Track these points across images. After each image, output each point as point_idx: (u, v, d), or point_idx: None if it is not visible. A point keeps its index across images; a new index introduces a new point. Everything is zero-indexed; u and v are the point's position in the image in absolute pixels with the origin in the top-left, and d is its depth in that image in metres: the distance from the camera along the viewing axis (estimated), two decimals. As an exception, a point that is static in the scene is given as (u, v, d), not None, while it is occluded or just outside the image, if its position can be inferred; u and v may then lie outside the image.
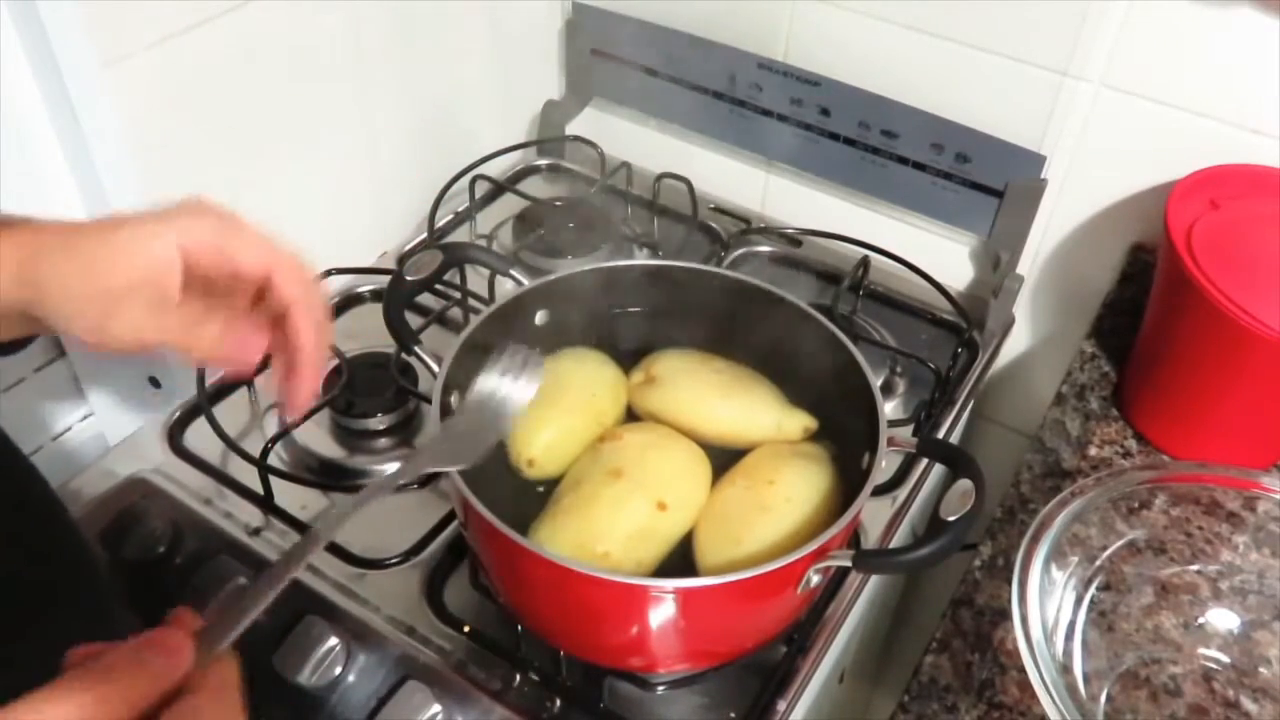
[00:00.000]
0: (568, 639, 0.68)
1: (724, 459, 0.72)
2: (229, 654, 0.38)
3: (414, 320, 0.92)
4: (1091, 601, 0.71)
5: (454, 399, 0.67)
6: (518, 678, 0.69)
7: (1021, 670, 0.65)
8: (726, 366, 0.76)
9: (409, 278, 0.70)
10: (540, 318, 0.75)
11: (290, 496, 0.78)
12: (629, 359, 0.78)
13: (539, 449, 0.70)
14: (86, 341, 0.45)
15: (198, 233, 0.47)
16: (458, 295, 0.92)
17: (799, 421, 0.73)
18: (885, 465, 0.64)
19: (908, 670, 0.68)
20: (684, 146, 1.10)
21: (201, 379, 0.82)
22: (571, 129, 1.13)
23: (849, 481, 0.68)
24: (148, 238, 0.45)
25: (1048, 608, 0.62)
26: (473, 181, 1.03)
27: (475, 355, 0.69)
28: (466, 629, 0.71)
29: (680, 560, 0.67)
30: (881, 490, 0.81)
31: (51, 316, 0.45)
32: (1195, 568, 0.73)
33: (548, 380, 0.74)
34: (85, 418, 0.88)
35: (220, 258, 0.47)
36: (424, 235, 1.02)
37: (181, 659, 0.35)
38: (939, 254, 1.00)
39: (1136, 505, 0.78)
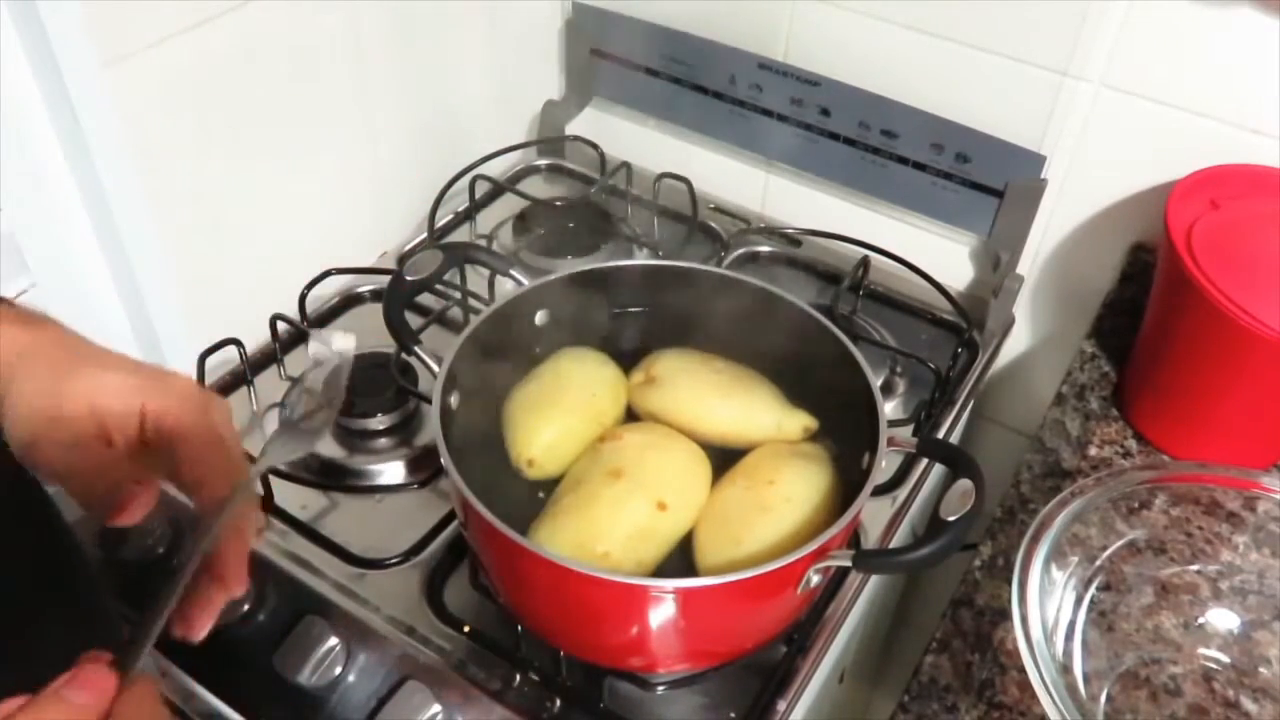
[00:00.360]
0: (568, 639, 0.68)
1: (724, 459, 0.72)
2: (143, 675, 0.38)
3: (414, 320, 0.92)
4: (1091, 601, 0.71)
5: (454, 399, 0.67)
6: (518, 678, 0.69)
7: (1021, 670, 0.65)
8: (726, 366, 0.76)
9: (409, 278, 0.70)
10: (540, 318, 0.75)
11: (290, 496, 0.78)
12: (629, 359, 0.78)
13: (539, 449, 0.70)
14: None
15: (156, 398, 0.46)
16: (458, 295, 0.92)
17: (799, 421, 0.73)
18: (885, 465, 0.64)
19: (908, 670, 0.68)
20: (684, 146, 1.10)
21: (201, 377, 0.82)
22: (571, 129, 1.13)
23: (849, 481, 0.68)
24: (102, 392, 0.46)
25: (1048, 608, 0.62)
26: (473, 181, 1.03)
27: (475, 355, 0.69)
28: (466, 629, 0.71)
29: (680, 560, 0.67)
30: (881, 490, 0.81)
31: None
32: (1195, 568, 0.73)
33: (548, 380, 0.74)
34: (85, 418, 0.88)
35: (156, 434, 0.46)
36: (424, 235, 1.02)
37: (106, 691, 0.36)
38: (939, 254, 1.00)
39: (1136, 505, 0.78)
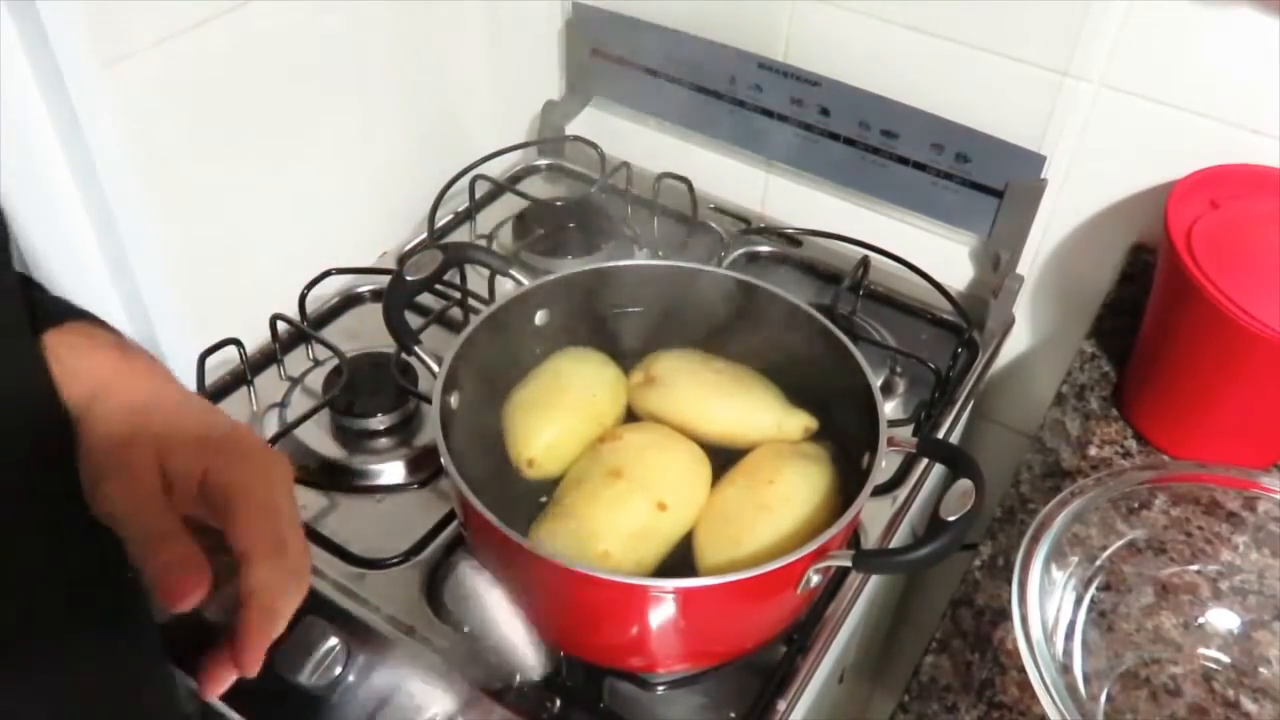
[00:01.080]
0: (568, 639, 0.68)
1: (724, 459, 0.72)
2: None
3: (414, 320, 0.92)
4: (1091, 601, 0.71)
5: (453, 399, 0.67)
6: (518, 678, 0.69)
7: (1021, 670, 0.65)
8: (726, 366, 0.76)
9: (409, 277, 0.70)
10: (540, 318, 0.75)
11: (290, 496, 0.78)
12: (629, 359, 0.78)
13: (539, 449, 0.70)
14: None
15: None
16: (458, 295, 0.92)
17: (799, 421, 0.73)
18: (885, 465, 0.64)
19: (908, 670, 0.68)
20: (684, 146, 1.10)
21: (201, 378, 0.82)
22: (571, 129, 1.13)
23: (849, 481, 0.68)
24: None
25: (1048, 607, 0.62)
26: (473, 181, 1.03)
27: (475, 355, 0.69)
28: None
29: (680, 560, 0.67)
30: (881, 490, 0.81)
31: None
32: (1195, 568, 0.73)
33: (548, 380, 0.74)
34: (85, 418, 0.88)
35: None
36: (424, 235, 1.02)
37: None
38: (939, 254, 1.00)
39: (1136, 505, 0.78)
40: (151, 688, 0.52)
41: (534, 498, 0.71)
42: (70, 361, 0.46)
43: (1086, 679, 0.66)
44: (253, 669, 0.45)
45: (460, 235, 1.04)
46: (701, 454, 0.71)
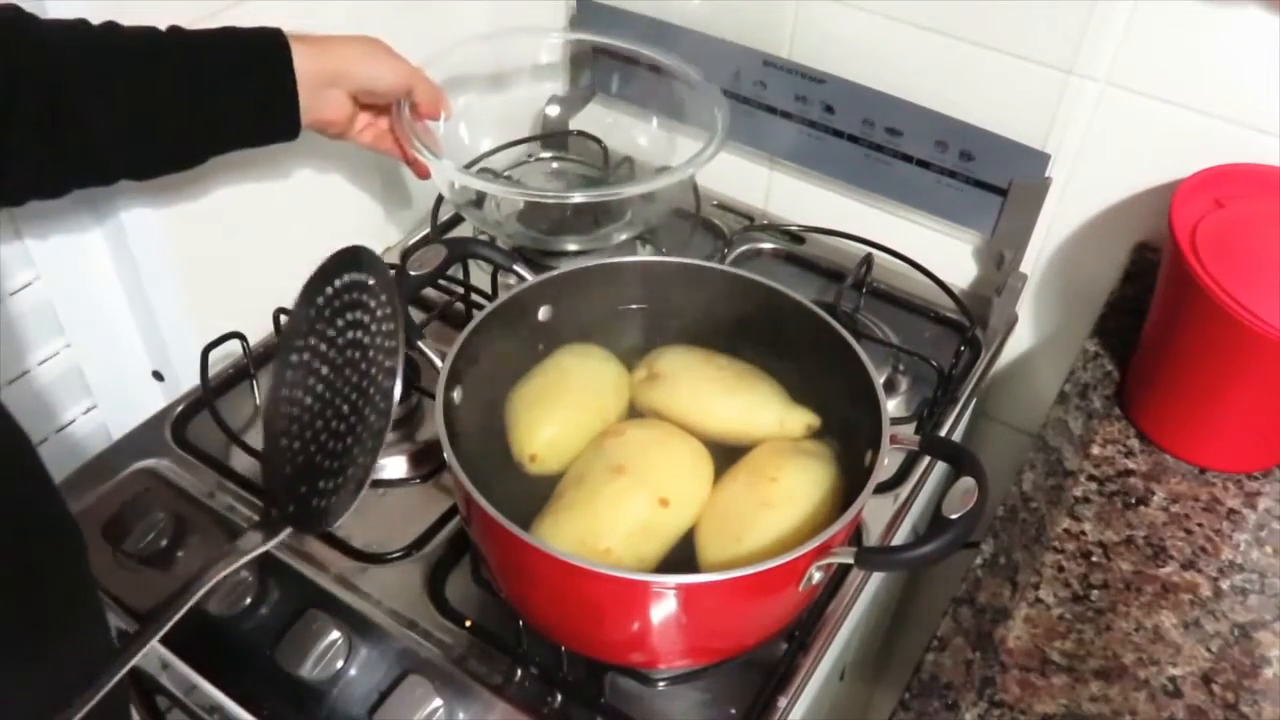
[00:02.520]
0: (569, 634, 0.68)
1: (726, 456, 0.72)
2: None
3: (417, 315, 0.92)
4: (1091, 601, 0.71)
5: (456, 394, 0.67)
6: (519, 673, 0.69)
7: (1022, 669, 0.65)
8: (729, 363, 0.76)
9: (412, 273, 0.70)
10: (543, 313, 0.75)
11: (293, 490, 0.78)
12: (631, 355, 0.78)
13: (541, 444, 0.70)
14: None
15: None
16: (461, 290, 0.92)
17: (802, 419, 0.73)
18: (887, 463, 0.64)
19: (909, 668, 0.68)
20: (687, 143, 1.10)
21: (205, 372, 0.82)
22: (575, 124, 1.13)
23: (851, 479, 0.68)
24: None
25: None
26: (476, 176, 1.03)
27: (478, 350, 0.69)
28: (468, 623, 0.71)
29: (682, 556, 0.67)
30: (884, 488, 0.81)
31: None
32: (1195, 567, 0.73)
33: (551, 376, 0.74)
34: (88, 410, 0.88)
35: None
36: (427, 230, 1.02)
37: None
38: (942, 252, 1.00)
39: (1135, 503, 0.78)
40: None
41: (536, 493, 0.70)
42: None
43: (1086, 678, 0.66)
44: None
45: (464, 230, 1.04)
46: (704, 450, 0.71)
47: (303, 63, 0.73)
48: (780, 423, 0.73)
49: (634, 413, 0.76)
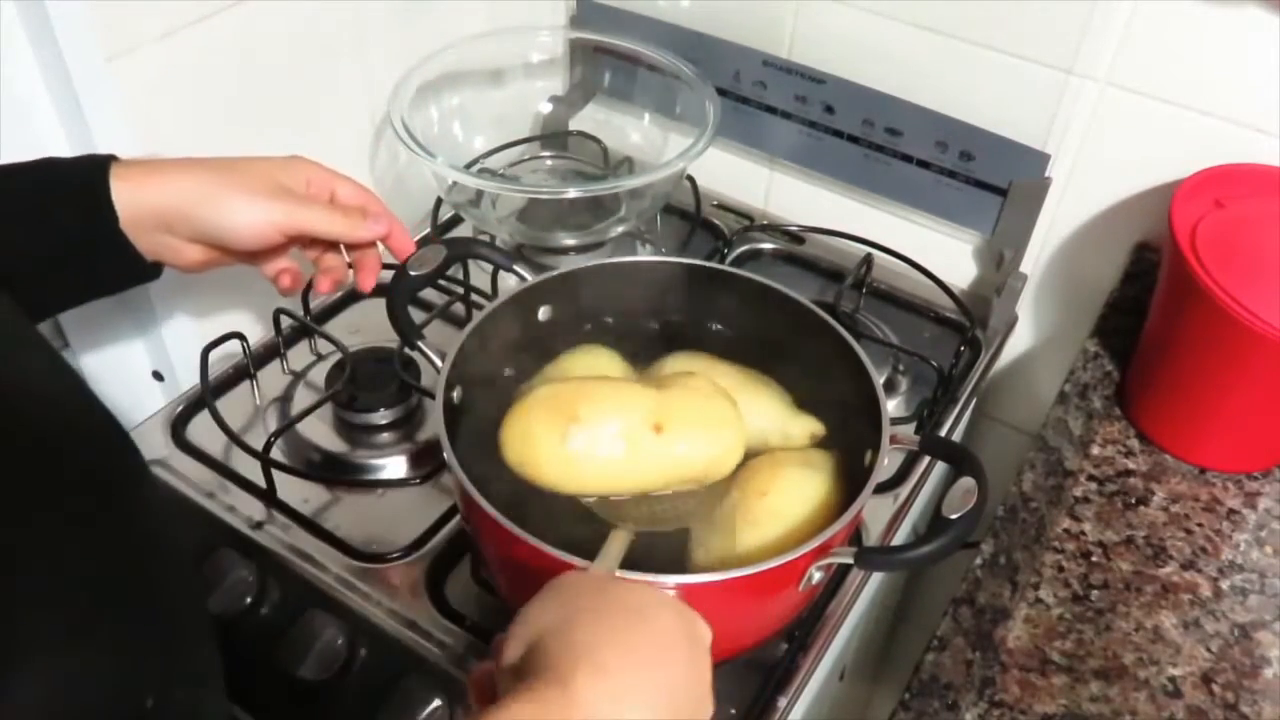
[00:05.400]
0: (569, 634, 0.68)
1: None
2: None
3: (417, 315, 0.91)
4: (1091, 601, 0.71)
5: (456, 394, 0.67)
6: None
7: (1022, 669, 0.65)
8: (730, 372, 0.75)
9: (412, 273, 0.70)
10: (543, 313, 0.75)
11: (293, 490, 0.79)
12: (631, 353, 0.78)
13: None
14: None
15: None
16: (461, 290, 0.92)
17: (806, 428, 0.72)
18: (887, 463, 0.64)
19: (909, 668, 0.68)
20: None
21: (204, 371, 0.82)
22: (574, 124, 1.13)
23: (850, 481, 0.68)
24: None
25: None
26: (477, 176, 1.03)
27: (478, 350, 0.69)
28: (468, 623, 0.71)
29: (679, 557, 0.68)
30: (883, 488, 0.81)
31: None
32: (1195, 567, 0.73)
33: (555, 379, 0.74)
34: (88, 410, 0.88)
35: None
36: (427, 230, 1.02)
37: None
38: (942, 252, 1.00)
39: (1135, 503, 0.78)
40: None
41: (536, 492, 0.70)
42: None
43: (1085, 678, 0.66)
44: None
45: (464, 230, 1.04)
46: (732, 412, 0.69)
47: (122, 200, 0.61)
48: (784, 433, 0.72)
49: None
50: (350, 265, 0.73)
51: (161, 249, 0.63)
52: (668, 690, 0.44)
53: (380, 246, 0.74)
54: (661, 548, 0.67)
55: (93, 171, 0.60)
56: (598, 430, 0.64)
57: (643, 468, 0.66)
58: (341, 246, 0.72)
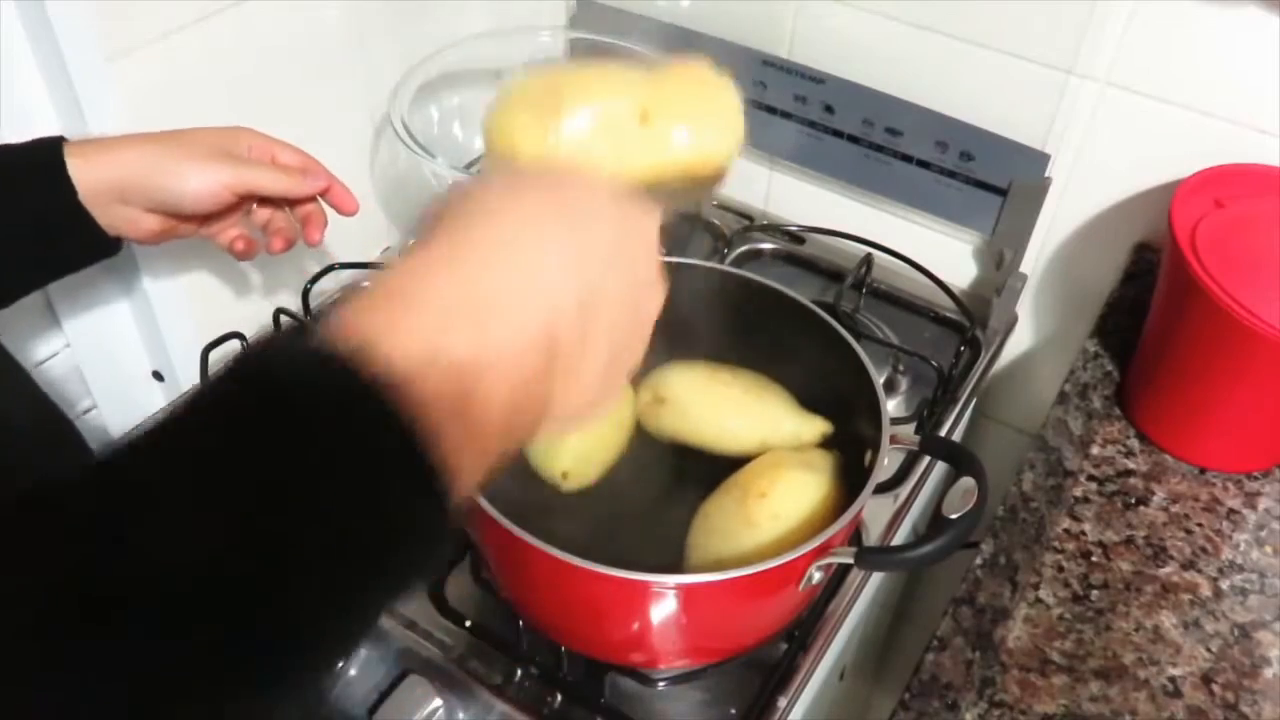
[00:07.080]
0: (569, 634, 0.68)
1: (731, 463, 0.72)
2: None
3: (417, 315, 0.92)
4: (1091, 601, 0.71)
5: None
6: (519, 672, 0.69)
7: (1022, 668, 0.65)
8: (734, 377, 0.74)
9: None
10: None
11: (293, 490, 0.78)
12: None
13: (570, 460, 0.70)
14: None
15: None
16: (461, 290, 0.92)
17: (816, 427, 0.72)
18: (887, 463, 0.64)
19: (909, 668, 0.68)
20: (688, 143, 1.09)
21: (204, 372, 0.82)
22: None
23: (850, 481, 0.68)
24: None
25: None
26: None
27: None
28: (468, 623, 0.71)
29: (676, 558, 0.68)
30: (883, 488, 0.81)
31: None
32: (1195, 567, 0.73)
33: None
34: (88, 410, 0.88)
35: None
36: (427, 230, 1.02)
37: None
38: (942, 252, 1.00)
39: (1135, 503, 0.78)
40: None
41: (537, 493, 0.71)
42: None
43: (1085, 678, 0.66)
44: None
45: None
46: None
47: (79, 174, 0.62)
48: (795, 434, 0.72)
49: (642, 435, 0.75)
50: (299, 224, 0.75)
51: (119, 221, 0.65)
52: (578, 246, 0.40)
53: (323, 203, 0.76)
54: (662, 548, 0.67)
55: (46, 150, 0.62)
56: (582, 121, 0.60)
57: (631, 156, 0.62)
58: (287, 209, 0.74)
